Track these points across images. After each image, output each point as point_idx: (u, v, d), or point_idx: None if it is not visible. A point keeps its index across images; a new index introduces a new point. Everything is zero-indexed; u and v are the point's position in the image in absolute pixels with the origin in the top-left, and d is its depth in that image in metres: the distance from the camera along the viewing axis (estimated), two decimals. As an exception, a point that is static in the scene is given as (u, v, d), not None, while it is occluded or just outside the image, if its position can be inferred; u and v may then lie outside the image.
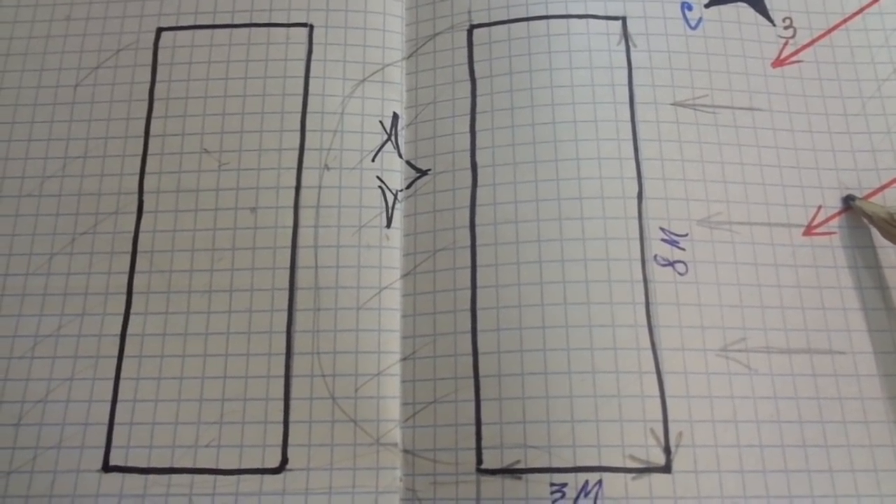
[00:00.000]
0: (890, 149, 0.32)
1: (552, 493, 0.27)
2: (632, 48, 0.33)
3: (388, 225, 0.31)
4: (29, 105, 0.33)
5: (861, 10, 0.34)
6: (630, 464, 0.27)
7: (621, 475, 0.27)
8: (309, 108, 0.32)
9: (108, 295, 0.30)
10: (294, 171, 0.32)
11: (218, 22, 0.34)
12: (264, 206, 0.31)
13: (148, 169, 0.32)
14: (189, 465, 0.28)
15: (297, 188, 0.31)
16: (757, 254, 0.30)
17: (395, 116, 0.33)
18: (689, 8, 0.34)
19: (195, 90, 0.33)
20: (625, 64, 0.33)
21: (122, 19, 0.34)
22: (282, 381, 0.29)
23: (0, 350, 0.30)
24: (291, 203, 0.31)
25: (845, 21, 0.34)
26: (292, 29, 0.34)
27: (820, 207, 0.31)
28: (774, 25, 0.34)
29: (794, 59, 0.33)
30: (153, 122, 0.33)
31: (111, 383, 0.29)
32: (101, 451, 0.28)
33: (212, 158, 0.32)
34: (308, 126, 0.32)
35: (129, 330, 0.30)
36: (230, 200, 0.31)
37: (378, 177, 0.32)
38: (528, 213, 0.30)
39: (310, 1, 0.34)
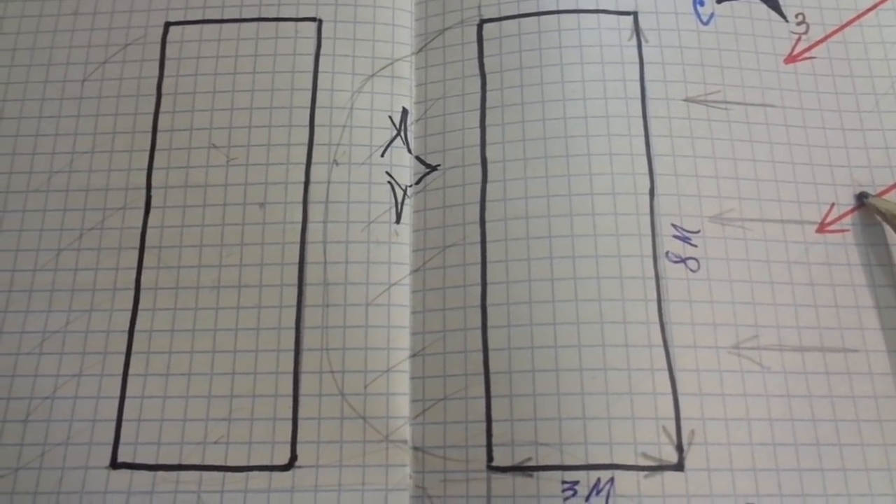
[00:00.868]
0: (903, 145, 0.32)
1: (563, 490, 0.27)
2: (643, 43, 0.33)
3: (398, 221, 0.31)
4: (36, 100, 0.33)
5: (874, 7, 0.34)
6: (642, 462, 0.27)
7: (633, 473, 0.27)
8: (318, 104, 0.32)
9: (116, 291, 0.30)
10: (303, 167, 0.31)
11: (226, 16, 0.34)
12: (273, 201, 0.31)
13: (156, 164, 0.32)
14: (198, 461, 0.28)
15: (306, 184, 0.31)
16: (769, 251, 0.30)
17: (405, 111, 0.33)
18: (701, 3, 0.33)
19: (203, 85, 0.33)
20: (636, 59, 0.32)
21: (130, 14, 0.34)
22: (291, 378, 0.29)
23: (8, 346, 0.30)
24: (300, 199, 0.31)
25: (859, 17, 0.34)
26: (301, 23, 0.33)
27: (833, 205, 0.31)
28: (787, 21, 0.33)
29: (806, 55, 0.33)
30: (161, 117, 0.33)
31: (119, 380, 0.29)
32: (110, 448, 0.28)
33: (220, 154, 0.32)
34: (317, 121, 0.32)
35: (138, 326, 0.30)
36: (239, 196, 0.31)
37: (387, 172, 0.31)
38: (539, 209, 0.30)
39: (319, -5, 0.34)
